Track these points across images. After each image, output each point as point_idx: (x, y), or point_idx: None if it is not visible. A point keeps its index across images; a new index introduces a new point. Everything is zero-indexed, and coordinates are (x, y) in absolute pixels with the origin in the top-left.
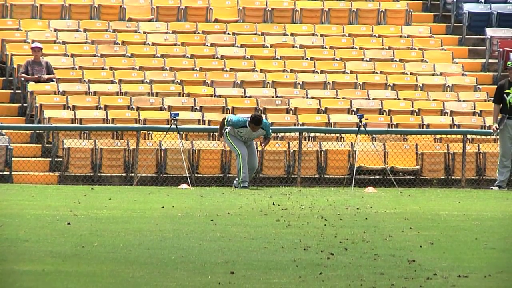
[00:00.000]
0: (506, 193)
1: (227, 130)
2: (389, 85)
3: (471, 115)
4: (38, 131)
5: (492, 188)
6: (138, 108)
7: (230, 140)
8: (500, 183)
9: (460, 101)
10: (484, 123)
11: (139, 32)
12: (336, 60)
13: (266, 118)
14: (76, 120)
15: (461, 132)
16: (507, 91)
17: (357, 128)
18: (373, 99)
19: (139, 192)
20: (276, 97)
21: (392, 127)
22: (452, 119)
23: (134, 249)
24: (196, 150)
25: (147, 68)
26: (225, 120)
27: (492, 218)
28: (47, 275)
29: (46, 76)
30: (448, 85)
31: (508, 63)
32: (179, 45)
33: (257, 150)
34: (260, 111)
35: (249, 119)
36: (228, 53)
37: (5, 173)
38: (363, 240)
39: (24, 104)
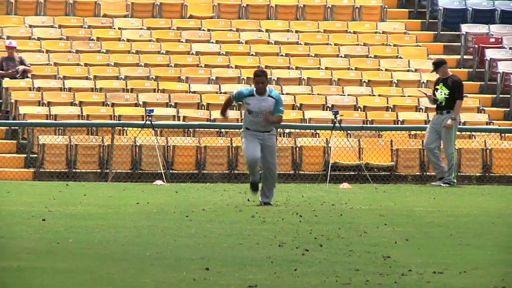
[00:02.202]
0: (481, 188)
1: (242, 130)
2: (364, 81)
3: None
4: (13, 127)
5: (441, 185)
6: (113, 104)
7: (243, 141)
8: (447, 180)
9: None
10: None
11: (114, 28)
12: (311, 56)
13: (241, 115)
14: (51, 116)
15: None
16: (437, 87)
17: (332, 124)
18: (348, 95)
19: (114, 188)
20: None
21: (367, 123)
22: (427, 115)
23: (109, 245)
24: (171, 146)
25: (122, 64)
26: (231, 95)
27: (467, 214)
28: (22, 271)
29: (21, 67)
30: (423, 81)
31: (435, 60)
32: (154, 41)
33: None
34: (235, 108)
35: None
36: (203, 49)
37: None
38: (338, 236)
39: None
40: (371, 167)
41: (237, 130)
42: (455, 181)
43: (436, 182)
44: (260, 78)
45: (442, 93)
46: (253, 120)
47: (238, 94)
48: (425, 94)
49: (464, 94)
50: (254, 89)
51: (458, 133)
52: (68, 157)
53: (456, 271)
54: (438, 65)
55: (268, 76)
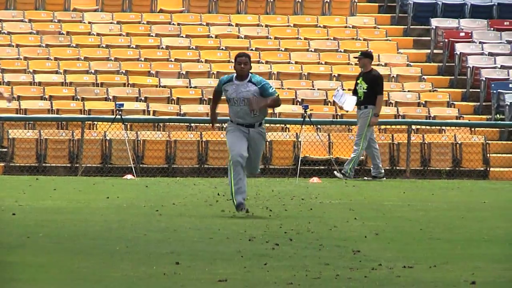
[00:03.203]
0: (451, 183)
1: (226, 125)
2: (334, 75)
3: (416, 105)
4: None
5: (365, 179)
6: (83, 99)
7: (228, 137)
8: (343, 170)
9: (405, 91)
10: (429, 113)
11: (84, 23)
12: (281, 50)
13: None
14: (21, 110)
15: (406, 123)
16: (358, 81)
17: (302, 119)
18: (318, 89)
19: (84, 183)
20: None
21: (337, 118)
22: (397, 109)
23: (79, 239)
24: (141, 141)
25: (92, 58)
26: (215, 88)
27: (437, 208)
28: None
29: None
30: (393, 76)
31: (359, 53)
32: (124, 36)
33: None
34: (205, 102)
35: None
36: (173, 44)
37: None
38: (308, 231)
39: None
40: (341, 162)
41: (207, 125)
42: (352, 173)
43: (338, 174)
44: (242, 58)
45: (361, 87)
46: (233, 110)
47: (218, 83)
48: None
49: (434, 89)
50: (234, 74)
51: (428, 127)
52: (38, 151)
53: (426, 265)
54: (364, 55)
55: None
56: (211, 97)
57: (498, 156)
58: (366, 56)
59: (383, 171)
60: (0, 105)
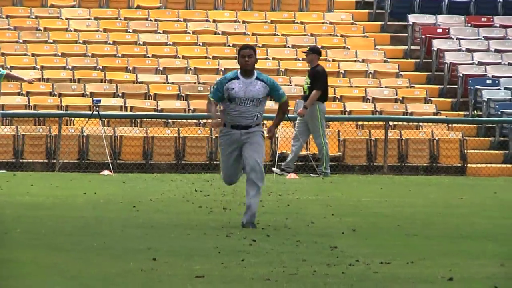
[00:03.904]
0: (428, 179)
1: (220, 131)
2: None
3: (393, 101)
4: None
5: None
6: (60, 94)
7: (221, 155)
8: (318, 170)
9: (382, 87)
10: (406, 109)
11: (61, 19)
12: (259, 46)
13: (188, 105)
14: None
15: (383, 119)
16: (305, 77)
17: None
18: (295, 85)
19: (61, 179)
20: (198, 83)
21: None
22: (374, 105)
23: (56, 235)
24: (118, 137)
25: (69, 54)
26: (209, 97)
27: (414, 204)
28: None
29: None
30: (370, 72)
31: (312, 46)
32: (101, 32)
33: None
34: (182, 98)
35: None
36: (150, 40)
37: None
38: (285, 227)
39: None
40: (318, 158)
41: (184, 121)
42: (328, 171)
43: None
44: (246, 50)
45: (306, 83)
46: (235, 110)
47: (218, 85)
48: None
49: (411, 85)
50: (239, 70)
51: (405, 123)
52: (15, 147)
53: (404, 261)
54: (312, 51)
55: (215, 67)
56: (207, 108)
57: (475, 152)
58: (314, 51)
59: (293, 168)
60: None
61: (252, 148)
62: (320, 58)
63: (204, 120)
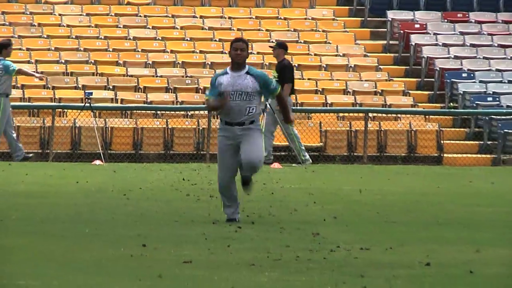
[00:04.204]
0: (406, 168)
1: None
2: (295, 65)
3: (373, 94)
4: None
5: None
6: (53, 87)
7: (218, 154)
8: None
9: (362, 81)
10: (385, 102)
11: (55, 15)
12: None
13: (176, 98)
14: None
15: (363, 111)
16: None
17: (264, 107)
18: None
19: (54, 168)
20: (186, 76)
21: (297, 106)
22: (355, 98)
23: (50, 222)
24: (109, 128)
25: (62, 49)
26: (206, 99)
27: (393, 193)
28: None
29: None
30: (351, 66)
31: (279, 41)
32: (93, 27)
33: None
34: (170, 91)
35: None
36: (140, 35)
37: None
38: (269, 214)
39: None
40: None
41: (172, 113)
42: (308, 158)
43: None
44: (238, 43)
45: (274, 76)
46: (226, 106)
47: (211, 83)
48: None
49: (390, 78)
50: (228, 67)
51: (384, 115)
52: None
53: (383, 247)
54: (279, 45)
55: (202, 61)
56: (209, 106)
57: (451, 143)
58: (280, 46)
59: (272, 158)
60: None
61: (250, 146)
62: (304, 52)
63: (192, 112)
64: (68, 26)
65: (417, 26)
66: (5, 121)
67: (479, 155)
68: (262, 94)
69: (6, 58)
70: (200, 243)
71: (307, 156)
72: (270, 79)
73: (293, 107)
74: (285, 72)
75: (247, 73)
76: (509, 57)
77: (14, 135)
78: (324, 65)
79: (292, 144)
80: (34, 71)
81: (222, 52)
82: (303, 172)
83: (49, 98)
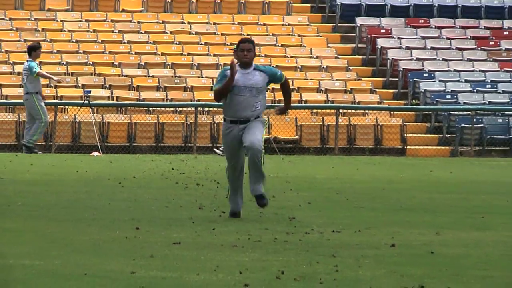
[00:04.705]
0: (373, 159)
1: (223, 129)
2: (273, 66)
3: (343, 92)
4: None
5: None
6: (56, 86)
7: (224, 148)
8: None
9: (333, 80)
10: (354, 99)
11: (57, 21)
12: (227, 45)
13: (166, 96)
14: (3, 96)
15: (334, 107)
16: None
17: None
18: None
19: (56, 159)
20: (175, 76)
21: (275, 103)
22: (327, 95)
23: (52, 208)
24: (106, 123)
25: (64, 51)
26: (214, 91)
27: (362, 181)
28: None
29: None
30: (323, 67)
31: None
32: (91, 32)
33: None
34: (161, 89)
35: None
36: (133, 39)
37: None
38: (250, 200)
39: None
40: (278, 140)
41: (163, 109)
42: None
43: (219, 150)
44: (245, 44)
45: None
46: (234, 101)
47: (220, 76)
48: None
49: (359, 78)
50: (237, 56)
51: (353, 111)
52: (17, 131)
53: (352, 230)
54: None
55: (190, 62)
56: (218, 94)
57: (414, 136)
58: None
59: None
60: None
61: (251, 131)
62: (281, 55)
63: (180, 108)
64: (69, 31)
65: (383, 31)
66: (45, 111)
67: (438, 147)
68: (272, 82)
69: (36, 60)
70: (187, 226)
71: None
72: (275, 69)
73: (272, 104)
74: None
75: (255, 69)
76: (465, 59)
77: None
78: (300, 66)
79: None
80: (52, 75)
81: (207, 55)
82: (280, 163)
83: (52, 96)
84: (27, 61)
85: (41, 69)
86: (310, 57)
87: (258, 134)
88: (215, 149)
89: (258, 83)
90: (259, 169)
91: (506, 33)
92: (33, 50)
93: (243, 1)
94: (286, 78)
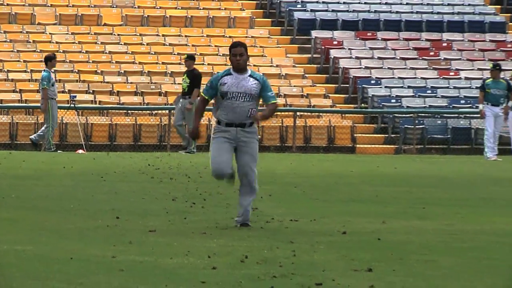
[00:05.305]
0: (326, 156)
1: (212, 133)
2: None
3: (300, 97)
4: None
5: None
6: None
7: (212, 147)
8: (188, 150)
9: (291, 86)
10: (310, 103)
11: (46, 33)
12: (197, 55)
13: (143, 100)
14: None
15: (292, 110)
16: (183, 77)
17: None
18: None
19: (46, 156)
20: (151, 83)
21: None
22: (286, 100)
23: (42, 199)
24: (90, 124)
25: None
26: (203, 92)
27: (317, 176)
28: None
29: None
30: (282, 74)
31: (189, 54)
32: (76, 43)
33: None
34: (138, 94)
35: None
36: (114, 50)
37: None
38: (218, 193)
39: None
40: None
41: (140, 112)
42: (195, 150)
43: (182, 151)
44: (237, 49)
45: (185, 82)
46: (228, 107)
47: (211, 82)
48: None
49: (314, 84)
50: (231, 68)
51: (309, 113)
52: (11, 131)
53: (308, 219)
54: (189, 57)
55: (164, 70)
56: (196, 108)
57: (362, 136)
58: (191, 58)
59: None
60: None
61: (247, 156)
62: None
63: (156, 111)
64: (57, 42)
65: (335, 42)
66: (56, 117)
67: (384, 146)
68: (262, 93)
69: (52, 69)
70: (162, 216)
71: (195, 150)
72: (269, 86)
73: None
74: (197, 79)
75: (250, 76)
76: (408, 67)
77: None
78: (261, 74)
79: (185, 136)
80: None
81: (179, 63)
82: None
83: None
84: (44, 70)
85: (55, 77)
86: (271, 66)
87: (252, 162)
88: (179, 151)
89: (252, 90)
90: (251, 191)
91: (444, 44)
92: (49, 60)
93: (211, 17)
94: (276, 104)
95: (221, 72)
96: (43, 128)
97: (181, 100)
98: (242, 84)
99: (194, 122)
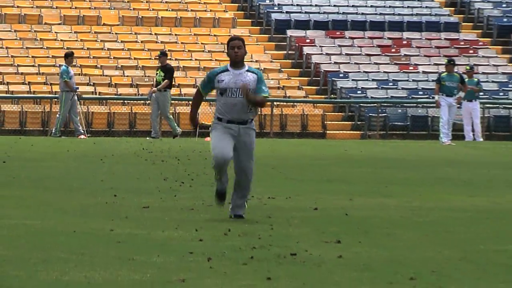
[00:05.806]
0: (300, 141)
1: (212, 121)
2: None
3: (277, 89)
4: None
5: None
6: (51, 84)
7: (212, 136)
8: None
9: (269, 79)
10: (286, 94)
11: (52, 32)
12: (186, 51)
13: (138, 91)
14: (8, 91)
15: (270, 100)
16: (157, 72)
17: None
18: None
19: (51, 141)
20: (145, 76)
21: None
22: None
23: (48, 179)
24: (91, 112)
25: (58, 56)
26: (199, 87)
27: (292, 158)
28: None
29: None
30: (261, 69)
31: (162, 50)
32: (79, 41)
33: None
34: (134, 86)
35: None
36: (112, 47)
37: None
38: (204, 173)
39: None
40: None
41: (135, 101)
42: (179, 132)
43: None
44: (235, 41)
45: (160, 76)
46: (227, 104)
47: (209, 77)
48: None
49: (289, 77)
50: (228, 64)
51: (285, 103)
52: (20, 119)
53: (284, 196)
54: (162, 54)
55: (157, 65)
56: (193, 101)
57: (332, 123)
58: (163, 55)
59: (159, 134)
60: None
61: (246, 153)
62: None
63: (148, 101)
64: (61, 40)
65: (308, 40)
66: (67, 109)
67: (351, 132)
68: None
69: (70, 65)
70: (155, 194)
71: (179, 131)
72: (265, 81)
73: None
74: (169, 72)
75: (248, 70)
76: (373, 63)
77: (77, 118)
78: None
79: (174, 129)
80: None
81: (170, 59)
82: None
83: (48, 91)
84: (64, 65)
85: (71, 71)
86: (251, 61)
87: (250, 161)
88: (147, 138)
89: (250, 84)
90: (247, 186)
91: (404, 42)
92: (67, 57)
93: (198, 17)
94: (266, 98)
95: (217, 68)
96: (57, 117)
97: (155, 93)
98: (240, 80)
99: (191, 112)
